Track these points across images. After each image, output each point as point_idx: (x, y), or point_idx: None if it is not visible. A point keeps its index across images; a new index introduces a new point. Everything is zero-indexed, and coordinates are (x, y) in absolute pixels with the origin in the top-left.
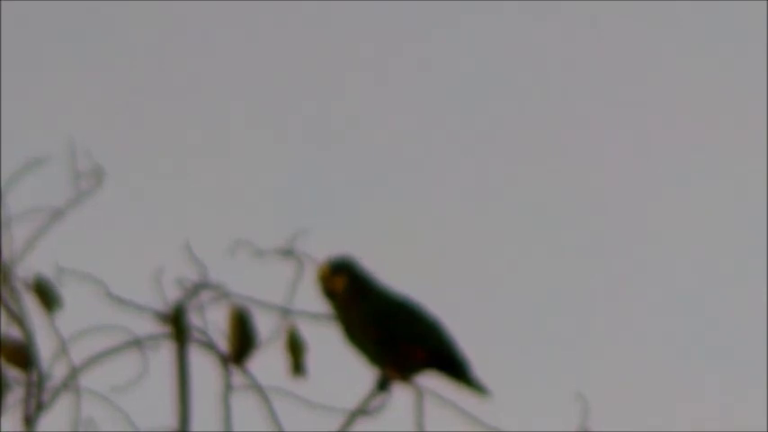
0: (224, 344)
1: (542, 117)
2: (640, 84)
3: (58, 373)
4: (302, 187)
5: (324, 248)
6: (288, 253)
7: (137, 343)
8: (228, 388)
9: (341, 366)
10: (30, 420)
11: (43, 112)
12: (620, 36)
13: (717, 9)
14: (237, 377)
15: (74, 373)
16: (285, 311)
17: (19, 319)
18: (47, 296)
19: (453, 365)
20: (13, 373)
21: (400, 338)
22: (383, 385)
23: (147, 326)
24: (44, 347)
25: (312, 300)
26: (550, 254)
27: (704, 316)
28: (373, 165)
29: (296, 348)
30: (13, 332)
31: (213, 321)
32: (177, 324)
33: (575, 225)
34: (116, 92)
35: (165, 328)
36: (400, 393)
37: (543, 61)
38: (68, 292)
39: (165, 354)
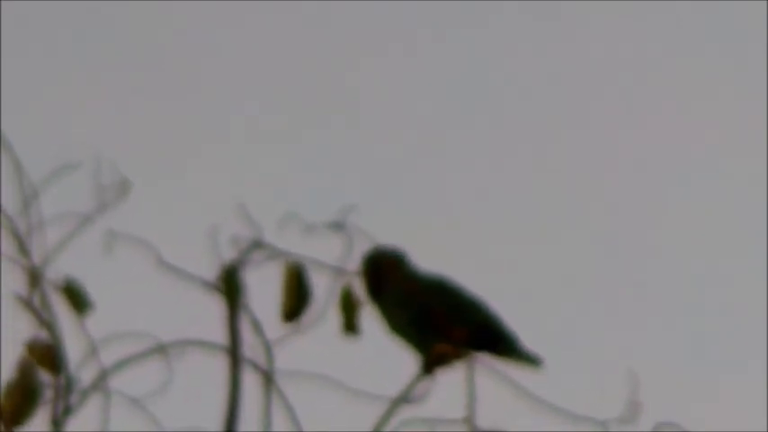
0: (277, 304)
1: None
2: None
3: (87, 376)
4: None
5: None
6: (338, 227)
7: (162, 349)
8: (272, 371)
9: (385, 353)
10: (58, 423)
11: (76, 115)
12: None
13: (717, 9)
14: (280, 359)
15: (103, 376)
16: (340, 271)
17: (48, 323)
18: (77, 299)
19: (501, 340)
20: (42, 375)
21: (443, 318)
22: (427, 370)
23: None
24: (74, 350)
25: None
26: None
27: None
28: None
29: (349, 306)
30: (43, 335)
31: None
32: (230, 283)
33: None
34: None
35: (217, 294)
36: (444, 379)
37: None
38: (120, 259)
39: (192, 359)
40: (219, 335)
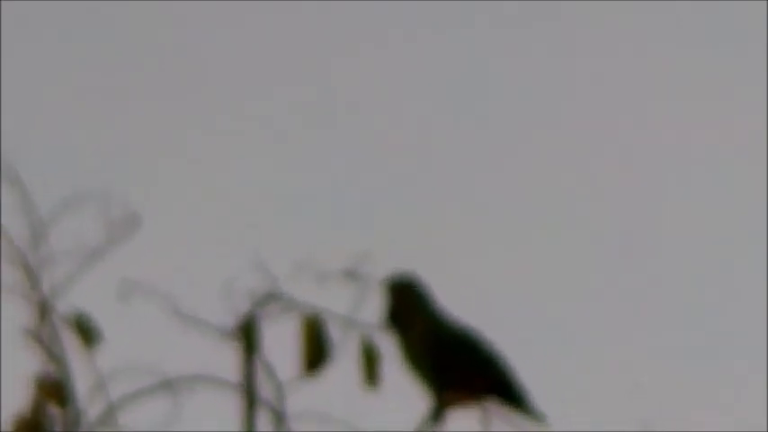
0: (294, 356)
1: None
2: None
3: (95, 410)
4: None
5: (384, 267)
6: (351, 275)
7: (170, 384)
8: (284, 414)
9: (395, 392)
10: None
11: (87, 149)
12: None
13: (717, 9)
14: (292, 402)
15: (111, 410)
16: (355, 323)
17: (57, 356)
18: (86, 333)
19: (513, 394)
20: (50, 409)
21: (459, 366)
22: (437, 414)
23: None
24: (83, 384)
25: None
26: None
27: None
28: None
29: (371, 358)
30: (52, 369)
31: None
32: (247, 335)
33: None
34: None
35: (233, 342)
36: (454, 422)
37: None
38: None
39: (200, 396)
40: (229, 372)
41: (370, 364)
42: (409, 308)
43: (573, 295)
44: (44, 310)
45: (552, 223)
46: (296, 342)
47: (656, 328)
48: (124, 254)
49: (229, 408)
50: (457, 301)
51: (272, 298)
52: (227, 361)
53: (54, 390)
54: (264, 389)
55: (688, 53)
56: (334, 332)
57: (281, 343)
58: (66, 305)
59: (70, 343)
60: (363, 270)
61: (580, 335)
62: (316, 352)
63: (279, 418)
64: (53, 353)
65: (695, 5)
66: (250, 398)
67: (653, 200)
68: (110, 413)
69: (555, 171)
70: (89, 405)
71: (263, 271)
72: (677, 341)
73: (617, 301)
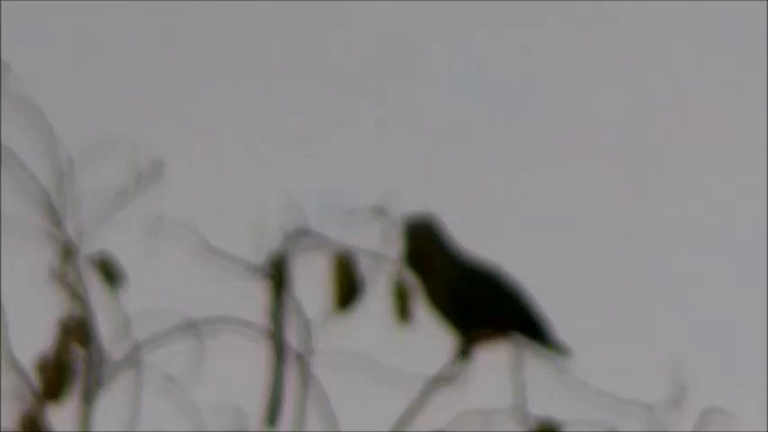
0: (325, 293)
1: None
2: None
3: (119, 351)
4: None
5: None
6: (379, 212)
7: (194, 326)
8: (311, 351)
9: (422, 333)
10: (89, 398)
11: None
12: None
13: (717, 9)
14: (321, 340)
15: (135, 351)
16: (384, 260)
17: (81, 297)
18: (111, 273)
19: (537, 329)
20: (74, 350)
21: (482, 305)
22: (464, 352)
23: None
24: (107, 326)
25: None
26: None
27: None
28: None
29: (402, 294)
30: (76, 310)
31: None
32: (277, 272)
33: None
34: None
35: (262, 280)
36: (481, 360)
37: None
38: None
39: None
40: (256, 314)
41: (402, 300)
42: (429, 249)
43: (615, 277)
44: (69, 251)
45: (573, 160)
46: (327, 279)
47: (702, 308)
48: (153, 195)
49: (254, 349)
50: (478, 245)
51: (303, 235)
52: (254, 303)
53: (78, 331)
54: (293, 327)
55: (687, 52)
56: (365, 270)
57: (311, 281)
58: (90, 247)
59: (94, 285)
60: (391, 208)
61: (624, 318)
62: (347, 289)
63: (306, 356)
64: (77, 294)
65: (695, 5)
66: (278, 336)
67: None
68: (134, 355)
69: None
70: (113, 347)
71: (295, 208)
72: (723, 324)
73: (660, 283)
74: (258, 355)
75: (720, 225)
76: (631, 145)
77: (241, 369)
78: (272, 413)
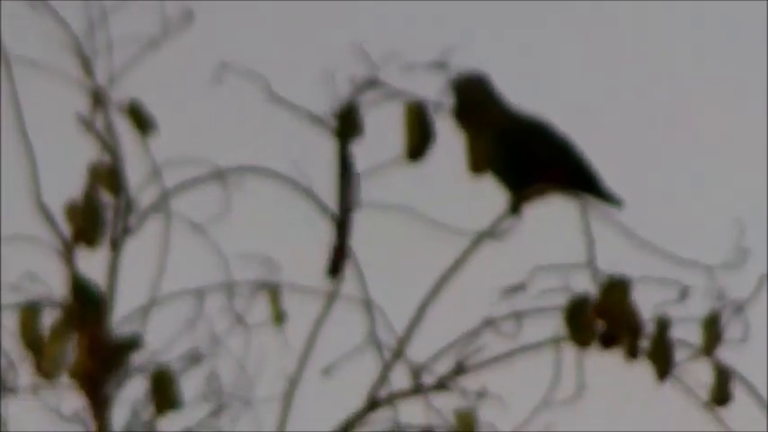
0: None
1: None
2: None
3: (148, 198)
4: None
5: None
6: (439, 65)
7: (222, 174)
8: (355, 204)
9: (470, 189)
10: (116, 244)
11: None
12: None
13: (717, 9)
14: (365, 192)
15: (164, 197)
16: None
17: (110, 145)
18: (141, 120)
19: (590, 180)
20: (103, 196)
21: (534, 156)
22: (515, 207)
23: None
24: (136, 172)
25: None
26: None
27: None
28: None
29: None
30: (105, 157)
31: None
32: (346, 122)
33: None
34: None
35: (325, 127)
36: (530, 215)
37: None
38: (229, 89)
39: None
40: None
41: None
42: (480, 103)
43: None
44: (99, 98)
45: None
46: (399, 128)
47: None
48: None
49: (280, 200)
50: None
51: (371, 85)
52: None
53: (107, 177)
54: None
55: (686, 52)
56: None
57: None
58: (121, 94)
59: (124, 131)
60: (452, 62)
61: (684, 179)
62: (420, 137)
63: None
64: (107, 141)
65: (695, 5)
66: (344, 188)
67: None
68: (162, 201)
69: None
70: (142, 193)
71: (364, 59)
72: None
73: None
74: (283, 206)
75: (720, 225)
76: (631, 145)
77: (270, 220)
78: (335, 266)
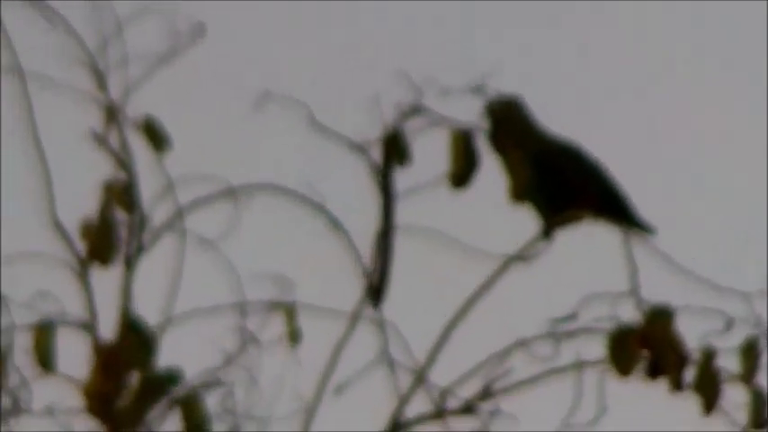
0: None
1: None
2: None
3: (161, 215)
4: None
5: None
6: (478, 90)
7: (234, 192)
8: (391, 227)
9: (502, 212)
10: (130, 261)
11: None
12: None
13: (717, 9)
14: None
15: (178, 214)
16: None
17: (124, 161)
18: (155, 136)
19: (622, 207)
20: (117, 213)
21: (566, 181)
22: (546, 232)
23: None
24: (150, 189)
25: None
26: None
27: None
28: None
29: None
30: (119, 173)
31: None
32: (392, 147)
33: None
34: None
35: (366, 155)
36: (561, 240)
37: None
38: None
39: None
40: (298, 184)
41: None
42: (513, 128)
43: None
44: (112, 114)
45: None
46: (444, 155)
47: None
48: (196, 57)
49: (292, 216)
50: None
51: (416, 111)
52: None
53: (121, 195)
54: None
55: (686, 52)
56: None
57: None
58: (135, 110)
59: (138, 147)
60: (490, 86)
61: (718, 202)
62: (466, 165)
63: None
64: (121, 157)
65: (695, 5)
66: (387, 214)
67: None
68: (176, 218)
69: None
70: (156, 210)
71: (409, 85)
72: None
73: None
74: (293, 222)
75: (720, 225)
76: (631, 145)
77: (284, 237)
78: (377, 293)
